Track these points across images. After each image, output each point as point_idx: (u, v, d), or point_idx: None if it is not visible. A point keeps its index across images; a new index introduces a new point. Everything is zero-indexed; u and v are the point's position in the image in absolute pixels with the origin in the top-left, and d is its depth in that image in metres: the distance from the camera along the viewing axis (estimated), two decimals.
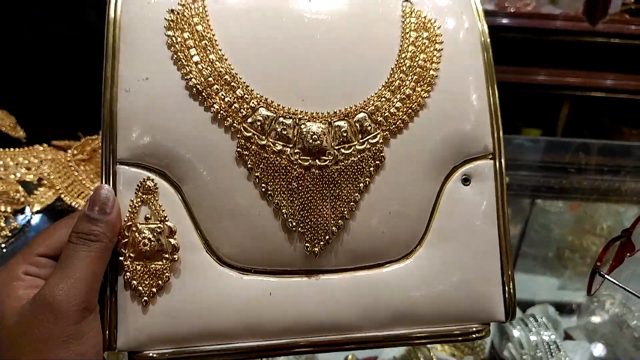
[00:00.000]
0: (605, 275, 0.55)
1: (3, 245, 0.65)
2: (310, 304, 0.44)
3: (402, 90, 0.46)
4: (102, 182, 0.42)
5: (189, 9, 0.44)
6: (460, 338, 0.47)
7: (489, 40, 0.50)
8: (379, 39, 0.47)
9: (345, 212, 0.44)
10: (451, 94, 0.47)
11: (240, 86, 0.43)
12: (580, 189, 1.14)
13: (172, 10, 0.44)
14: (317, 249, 0.44)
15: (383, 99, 0.45)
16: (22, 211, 0.70)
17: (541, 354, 0.76)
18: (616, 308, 0.84)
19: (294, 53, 0.45)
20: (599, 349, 0.79)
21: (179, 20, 0.44)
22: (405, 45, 0.47)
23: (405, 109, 0.45)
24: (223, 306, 0.43)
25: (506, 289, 0.47)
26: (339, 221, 0.44)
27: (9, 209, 0.68)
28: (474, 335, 0.47)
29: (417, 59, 0.47)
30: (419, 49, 0.47)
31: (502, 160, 0.48)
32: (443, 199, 0.47)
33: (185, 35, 0.44)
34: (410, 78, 0.46)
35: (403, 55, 0.46)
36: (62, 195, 0.73)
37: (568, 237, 1.12)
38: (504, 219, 0.48)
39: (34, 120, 0.91)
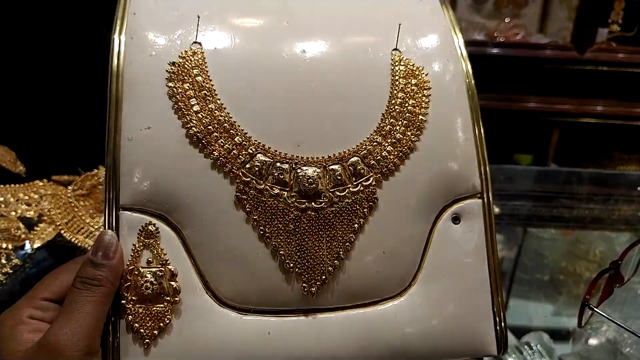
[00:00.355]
0: (595, 309, 0.57)
1: (4, 281, 0.66)
2: (308, 342, 0.45)
3: (393, 134, 0.48)
4: (105, 228, 0.44)
5: (189, 60, 0.46)
6: None
7: (473, 82, 0.52)
8: (369, 86, 0.49)
9: (341, 252, 0.46)
10: (440, 136, 0.50)
11: (239, 133, 0.45)
12: (572, 217, 1.16)
13: (174, 63, 0.46)
14: (314, 289, 0.45)
15: (375, 143, 0.47)
16: (22, 247, 0.71)
17: None
18: (610, 335, 0.85)
19: (290, 101, 0.47)
20: None
21: (180, 72, 0.46)
22: (395, 92, 0.49)
23: (396, 152, 0.48)
24: (223, 347, 0.44)
25: (497, 322, 0.48)
26: (335, 261, 0.46)
27: (10, 246, 0.68)
28: None
29: (406, 105, 0.49)
30: (408, 95, 0.49)
31: (490, 199, 0.50)
32: (434, 238, 0.49)
33: (186, 85, 0.46)
34: (400, 123, 0.48)
35: (393, 102, 0.49)
36: (62, 231, 0.74)
37: (561, 263, 1.13)
38: (493, 255, 0.49)
39: (33, 156, 0.93)
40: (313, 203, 0.45)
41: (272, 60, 0.48)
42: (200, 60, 0.47)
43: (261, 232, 0.45)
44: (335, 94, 0.48)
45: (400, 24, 0.51)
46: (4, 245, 0.68)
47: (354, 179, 0.46)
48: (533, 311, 1.04)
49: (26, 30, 1.00)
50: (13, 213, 0.73)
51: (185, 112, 0.45)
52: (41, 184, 0.82)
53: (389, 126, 0.48)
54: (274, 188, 0.45)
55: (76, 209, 0.76)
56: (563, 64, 1.53)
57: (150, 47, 0.47)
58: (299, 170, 0.45)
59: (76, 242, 0.73)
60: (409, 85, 0.50)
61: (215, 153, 0.45)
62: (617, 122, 1.59)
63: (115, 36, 0.47)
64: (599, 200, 1.17)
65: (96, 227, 0.75)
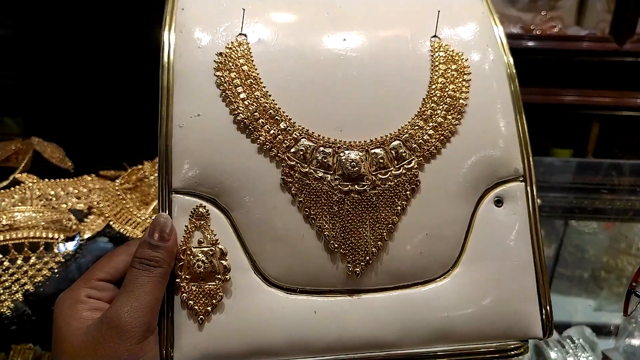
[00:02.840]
0: None
1: (56, 270, 0.69)
2: (353, 322, 0.46)
3: (434, 118, 0.49)
4: (159, 211, 0.46)
5: (235, 51, 0.49)
6: (498, 355, 0.48)
7: (514, 71, 0.52)
8: (409, 72, 0.51)
9: (384, 234, 0.47)
10: (481, 121, 0.50)
11: (284, 119, 0.47)
12: (613, 210, 1.13)
13: (221, 53, 0.48)
14: (358, 270, 0.46)
15: (416, 127, 0.48)
16: (73, 238, 0.74)
17: None
18: None
19: (332, 88, 0.49)
20: None
21: (227, 61, 0.48)
22: (435, 77, 0.50)
23: (437, 136, 0.49)
24: (270, 324, 0.45)
25: (543, 305, 0.49)
26: (379, 242, 0.47)
27: (61, 236, 0.72)
28: (512, 352, 0.48)
29: (447, 90, 0.50)
30: (448, 80, 0.50)
31: (533, 182, 0.50)
32: (477, 220, 0.49)
33: (233, 75, 0.48)
34: (441, 107, 0.49)
35: (433, 87, 0.50)
36: (111, 223, 0.77)
37: (603, 258, 1.11)
38: (537, 238, 0.50)
39: (81, 152, 0.97)
40: (356, 186, 0.46)
41: (314, 50, 0.50)
42: (245, 50, 0.49)
43: (306, 213, 0.46)
44: (375, 80, 0.49)
45: (439, 11, 0.52)
46: (56, 236, 0.72)
47: (396, 162, 0.47)
48: (574, 307, 1.03)
49: (75, 30, 1.05)
50: (64, 205, 0.77)
51: (233, 100, 0.47)
52: (89, 178, 0.86)
53: (429, 110, 0.49)
54: (318, 171, 0.46)
55: (124, 202, 0.80)
56: (602, 56, 1.50)
57: (198, 40, 0.49)
58: (342, 154, 0.47)
59: (125, 232, 0.77)
60: (449, 71, 0.50)
61: (262, 138, 0.46)
62: None
63: (165, 31, 0.49)
64: (635, 191, 1.14)
65: (143, 218, 0.79)
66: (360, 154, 0.47)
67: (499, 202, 0.50)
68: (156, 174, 0.76)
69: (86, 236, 0.74)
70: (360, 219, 0.46)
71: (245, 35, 0.49)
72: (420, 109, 0.49)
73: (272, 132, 0.47)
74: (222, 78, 0.48)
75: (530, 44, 1.52)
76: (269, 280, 0.46)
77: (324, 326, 0.46)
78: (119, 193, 0.80)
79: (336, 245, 0.46)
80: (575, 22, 1.65)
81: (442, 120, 0.49)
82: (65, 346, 0.41)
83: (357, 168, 0.46)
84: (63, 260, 0.70)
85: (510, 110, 0.51)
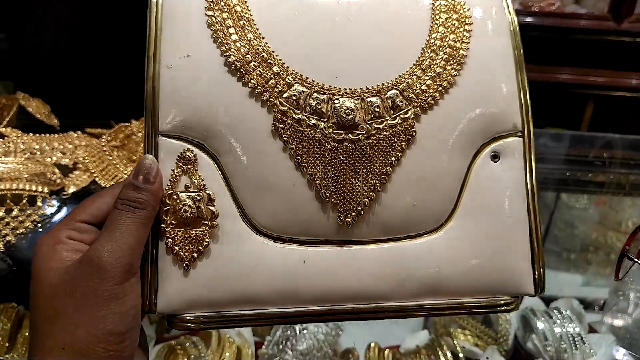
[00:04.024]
0: (634, 259, 0.55)
1: (39, 224, 0.68)
2: (343, 272, 0.45)
3: (433, 68, 0.47)
4: (144, 153, 0.44)
5: None
6: (489, 309, 0.47)
7: (517, 27, 0.51)
8: (409, 20, 0.49)
9: (377, 185, 0.45)
10: (480, 73, 0.49)
11: (277, 63, 0.45)
12: (605, 183, 1.13)
13: None
14: (349, 220, 0.45)
15: (414, 77, 0.47)
16: (57, 192, 0.73)
17: (565, 346, 0.76)
18: (638, 308, 0.83)
19: (328, 33, 0.47)
20: (621, 352, 0.79)
21: (219, 1, 0.46)
22: (436, 26, 0.48)
23: (435, 87, 0.47)
24: (258, 273, 0.44)
25: (536, 262, 0.48)
26: (371, 193, 0.45)
27: (45, 190, 0.70)
28: (503, 308, 0.47)
29: (447, 39, 0.48)
30: (448, 30, 0.48)
31: (532, 138, 0.49)
32: (472, 175, 0.48)
33: (225, 15, 0.46)
34: (440, 57, 0.48)
35: (433, 36, 0.48)
36: (97, 179, 0.75)
37: (592, 234, 1.11)
38: (532, 195, 0.48)
39: (67, 111, 0.95)
40: (350, 134, 0.45)
41: None
42: None
43: (297, 161, 0.45)
44: (374, 27, 0.48)
45: None
46: (40, 189, 0.70)
47: (392, 111, 0.46)
48: (563, 281, 1.03)
49: None
50: (48, 159, 0.75)
51: (224, 41, 0.45)
52: (75, 135, 0.84)
53: (428, 60, 0.47)
54: (311, 118, 0.45)
55: (110, 158, 0.78)
56: (599, 35, 1.49)
57: None
58: (336, 101, 0.45)
59: None
60: (450, 20, 0.49)
61: (253, 82, 0.45)
62: None
63: None
64: (634, 165, 1.14)
65: None
66: (356, 101, 0.45)
67: (495, 157, 0.49)
68: None
69: (71, 191, 0.72)
70: (353, 168, 0.45)
71: None
72: (419, 58, 0.47)
73: (264, 75, 0.45)
74: (213, 18, 0.45)
75: (529, 20, 1.50)
76: (257, 229, 0.45)
77: (313, 276, 0.45)
78: (105, 149, 0.78)
79: (327, 195, 0.45)
80: (574, 0, 1.63)
81: (441, 70, 0.47)
82: (43, 287, 0.40)
83: (351, 116, 0.45)
84: (47, 214, 0.68)
85: (511, 64, 0.50)
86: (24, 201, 0.68)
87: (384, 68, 0.47)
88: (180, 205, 0.43)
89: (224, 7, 0.46)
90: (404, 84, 0.46)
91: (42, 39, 1.02)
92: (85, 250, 0.41)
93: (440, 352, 0.74)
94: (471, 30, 0.49)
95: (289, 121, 0.45)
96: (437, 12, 0.49)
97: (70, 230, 0.42)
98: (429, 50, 0.48)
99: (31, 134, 0.80)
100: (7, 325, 0.67)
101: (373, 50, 0.47)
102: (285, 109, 0.45)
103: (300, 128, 0.45)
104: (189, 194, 0.44)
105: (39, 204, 0.68)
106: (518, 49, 0.50)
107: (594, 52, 1.54)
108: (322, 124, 0.45)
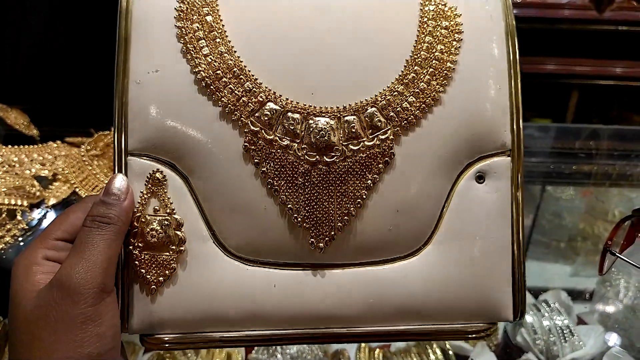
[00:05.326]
0: (617, 253, 0.55)
1: (20, 239, 0.67)
2: (314, 296, 0.44)
3: (416, 83, 0.44)
4: (114, 172, 0.43)
5: None
6: (466, 336, 0.46)
7: (515, 30, 0.46)
8: (394, 28, 0.45)
9: (352, 209, 0.44)
10: (469, 87, 0.45)
11: (249, 79, 0.43)
12: (591, 175, 1.13)
13: (183, 0, 0.43)
14: (322, 244, 0.44)
15: (395, 93, 0.44)
16: (38, 205, 0.72)
17: (554, 339, 0.76)
18: (629, 292, 0.83)
19: (306, 44, 0.44)
20: (614, 338, 0.79)
21: (189, 10, 0.43)
22: (422, 35, 0.45)
23: (418, 104, 0.44)
24: (227, 295, 0.44)
25: (517, 287, 0.46)
26: (345, 217, 0.43)
27: (25, 203, 0.70)
28: (481, 334, 0.46)
29: (433, 51, 0.44)
30: (436, 39, 0.45)
31: (521, 157, 0.46)
32: (455, 197, 0.45)
33: (195, 26, 0.43)
34: (425, 71, 0.44)
35: (419, 47, 0.44)
36: (77, 189, 0.74)
37: (579, 225, 1.11)
38: (518, 218, 0.46)
39: (47, 120, 0.93)
40: (325, 156, 0.43)
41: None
42: None
43: (269, 184, 0.43)
44: (355, 37, 0.44)
45: None
46: (20, 202, 0.69)
47: (370, 131, 0.43)
48: (551, 273, 1.03)
49: None
50: (27, 172, 0.74)
51: (194, 55, 0.43)
52: (55, 145, 0.82)
53: (412, 74, 0.44)
54: (284, 139, 0.42)
55: (90, 168, 0.77)
56: (582, 24, 1.48)
57: None
58: (310, 121, 0.42)
59: None
60: (439, 29, 0.45)
61: (224, 100, 0.42)
62: (637, 84, 1.55)
63: None
64: (619, 156, 1.14)
65: None
66: (331, 121, 0.43)
67: (480, 177, 0.46)
68: None
69: (51, 203, 0.71)
70: (327, 192, 0.43)
71: None
72: (402, 72, 0.44)
73: (235, 93, 0.43)
74: (183, 30, 0.43)
75: (512, 11, 1.49)
76: (228, 251, 0.44)
77: (283, 300, 0.44)
78: (85, 159, 0.77)
79: (299, 219, 0.43)
80: None
81: (425, 86, 0.44)
82: (19, 311, 0.39)
83: (325, 137, 0.42)
84: (27, 227, 0.67)
85: (504, 75, 0.46)
86: (4, 215, 0.67)
87: (364, 83, 0.44)
88: (148, 230, 0.42)
89: (195, 17, 0.43)
90: (384, 102, 0.43)
91: (19, 47, 1.00)
92: (57, 272, 0.40)
93: (429, 350, 0.74)
94: (461, 39, 0.45)
95: (260, 142, 0.43)
96: (425, 19, 0.45)
97: (46, 250, 0.41)
98: (413, 64, 0.44)
99: (9, 146, 0.79)
100: None
101: (353, 63, 0.44)
102: (257, 129, 0.42)
103: (272, 149, 0.43)
104: (157, 217, 0.43)
105: (19, 217, 0.67)
106: (514, 57, 0.46)
107: (578, 41, 1.53)
108: (296, 145, 0.43)
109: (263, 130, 0.42)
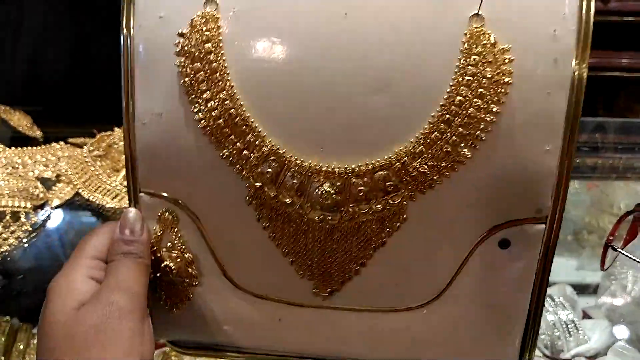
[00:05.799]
0: (618, 249, 0.54)
1: (25, 240, 0.67)
2: (317, 335, 0.43)
3: (440, 145, 0.36)
4: (128, 206, 0.42)
5: (200, 31, 0.37)
6: None
7: (584, 78, 0.35)
8: (424, 74, 0.35)
9: (355, 268, 0.40)
10: (506, 146, 0.36)
11: (252, 131, 0.37)
12: (597, 168, 1.12)
13: (183, 34, 0.37)
14: (324, 294, 0.42)
15: (413, 155, 0.36)
16: (41, 207, 0.71)
17: (559, 333, 0.75)
18: (635, 285, 0.83)
19: (319, 92, 0.37)
20: (621, 331, 0.79)
21: (190, 44, 0.37)
22: (457, 85, 0.35)
23: (439, 168, 0.36)
24: (236, 325, 0.44)
25: (525, 355, 0.43)
26: (347, 275, 0.40)
27: (28, 205, 0.69)
28: None
29: (467, 106, 0.35)
30: (474, 92, 0.35)
31: (559, 225, 0.38)
32: (472, 260, 0.40)
33: (197, 65, 0.37)
34: (452, 130, 0.35)
35: (451, 100, 0.35)
36: (80, 190, 0.73)
37: (585, 218, 1.10)
38: (541, 288, 0.40)
39: (50, 121, 0.94)
40: (329, 217, 0.38)
41: (305, 32, 0.37)
42: (213, 30, 0.37)
43: (271, 237, 0.40)
44: (378, 85, 0.36)
45: None
46: (23, 204, 0.69)
47: (381, 193, 0.37)
48: (557, 266, 1.03)
49: None
50: (31, 174, 0.73)
51: (195, 99, 0.38)
52: (58, 146, 0.80)
53: (436, 133, 0.35)
54: (287, 197, 0.38)
55: (93, 169, 0.76)
56: None
57: (161, 4, 0.38)
58: (315, 182, 0.37)
59: (94, 200, 0.74)
60: (479, 77, 0.35)
61: (226, 152, 0.38)
62: None
63: None
64: (625, 149, 1.13)
65: (113, 185, 0.75)
66: (338, 183, 0.37)
67: (505, 243, 0.39)
68: None
69: (54, 204, 0.71)
70: (330, 252, 0.39)
71: (215, 2, 0.37)
72: (425, 129, 0.36)
73: (237, 145, 0.38)
74: (184, 67, 0.37)
75: None
76: (237, 285, 0.43)
77: (287, 333, 0.43)
78: (87, 160, 0.75)
79: (302, 273, 0.41)
80: None
81: (450, 149, 0.36)
82: (58, 328, 0.37)
83: (329, 201, 0.37)
84: (30, 229, 0.68)
85: (557, 133, 0.36)
86: (7, 217, 0.67)
87: (379, 140, 0.37)
88: (162, 266, 0.42)
89: (197, 53, 0.37)
90: (399, 164, 0.36)
91: (21, 49, 1.00)
92: (96, 292, 0.38)
93: None
94: (508, 92, 0.35)
95: (263, 197, 0.38)
96: (465, 63, 0.35)
97: (88, 268, 0.40)
98: (440, 121, 0.35)
99: (13, 148, 0.77)
100: (1, 339, 0.67)
101: (369, 117, 0.36)
102: (259, 184, 0.38)
103: (275, 206, 0.38)
104: (170, 254, 0.42)
105: (23, 219, 0.68)
106: (575, 110, 0.35)
107: None
108: (300, 203, 0.38)
109: (266, 187, 0.38)
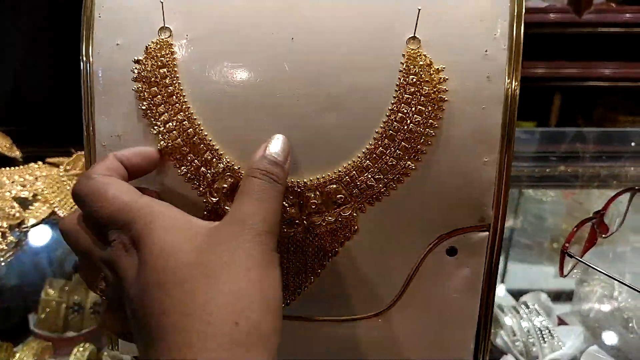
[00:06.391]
0: (574, 256, 0.56)
1: (1, 259, 0.69)
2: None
3: (384, 159, 0.38)
4: None
5: (155, 58, 0.39)
6: None
7: (517, 92, 0.38)
8: (369, 93, 0.38)
9: (311, 277, 0.42)
10: (447, 160, 0.38)
11: (209, 149, 0.39)
12: (573, 176, 1.14)
13: (138, 61, 0.39)
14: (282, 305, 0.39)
15: (360, 169, 0.39)
16: (18, 226, 0.73)
17: (533, 340, 0.77)
18: (606, 291, 0.85)
19: (272, 110, 0.39)
20: (595, 336, 0.80)
21: (146, 70, 0.39)
22: (398, 103, 0.38)
23: (386, 180, 0.38)
24: None
25: (480, 357, 0.44)
26: (303, 285, 0.42)
27: (4, 224, 0.70)
28: None
29: (408, 122, 0.38)
30: (413, 109, 0.37)
31: (501, 232, 0.41)
32: (422, 268, 0.42)
33: (154, 89, 0.39)
34: (396, 144, 0.38)
35: (392, 117, 0.37)
36: (56, 209, 0.75)
37: (562, 225, 1.12)
38: (489, 291, 0.42)
39: (30, 141, 0.96)
40: (285, 229, 0.39)
41: (256, 52, 0.39)
42: (167, 56, 0.39)
43: None
44: (326, 103, 0.38)
45: (419, 9, 0.37)
46: (0, 223, 0.71)
47: (334, 206, 0.39)
48: (533, 274, 1.03)
49: (17, 14, 1.02)
50: (7, 194, 0.75)
51: (154, 122, 0.39)
52: (36, 166, 0.82)
53: (380, 148, 0.38)
54: None
55: (68, 188, 0.78)
56: (562, 28, 1.50)
57: (118, 32, 0.40)
58: None
59: None
60: (418, 95, 0.37)
61: (184, 169, 0.40)
62: (623, 84, 1.55)
63: (83, 12, 0.40)
64: (601, 158, 1.15)
65: None
66: (291, 197, 0.39)
67: (453, 251, 0.41)
68: None
69: (30, 223, 0.73)
70: (286, 262, 0.41)
71: (169, 29, 0.39)
72: (371, 145, 0.38)
73: (195, 162, 0.39)
74: (142, 92, 0.39)
75: None
76: None
77: None
78: (63, 179, 0.78)
79: None
80: None
81: (395, 162, 0.38)
82: (192, 259, 0.31)
83: (284, 215, 0.39)
84: (7, 248, 0.69)
85: (494, 146, 0.38)
86: None
87: (329, 156, 0.39)
88: None
89: (153, 78, 0.39)
90: (348, 178, 0.38)
91: (1, 72, 1.03)
92: (229, 213, 0.33)
93: None
94: (444, 109, 0.37)
95: (220, 212, 0.39)
96: (405, 82, 0.37)
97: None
98: (384, 136, 0.38)
99: None
100: None
101: (320, 134, 0.38)
102: (215, 199, 0.39)
103: None
104: None
105: None
106: (510, 123, 0.38)
107: (559, 44, 1.55)
108: None
109: (222, 202, 0.39)
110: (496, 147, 0.38)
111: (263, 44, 0.38)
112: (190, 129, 0.39)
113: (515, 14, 0.37)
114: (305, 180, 0.38)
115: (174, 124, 0.39)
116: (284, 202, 0.38)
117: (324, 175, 0.39)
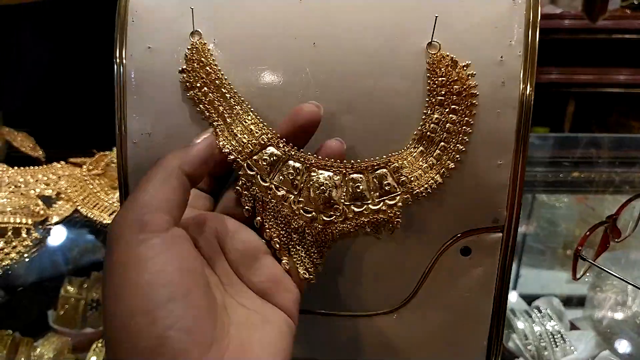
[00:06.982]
0: (587, 259, 0.57)
1: (26, 255, 0.71)
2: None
3: (432, 149, 0.39)
4: None
5: (197, 62, 0.40)
6: None
7: (532, 97, 0.40)
8: (394, 98, 0.40)
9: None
10: (474, 162, 0.40)
11: (252, 120, 0.39)
12: (585, 182, 1.15)
13: (183, 70, 0.40)
14: None
15: (411, 159, 0.39)
16: (42, 223, 0.76)
17: (545, 344, 0.78)
18: (619, 296, 0.85)
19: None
20: (608, 341, 0.81)
21: (192, 76, 0.40)
22: (431, 106, 0.39)
23: (433, 173, 0.39)
24: None
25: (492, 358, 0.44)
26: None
27: (29, 221, 0.74)
28: None
29: (446, 122, 0.39)
30: (447, 109, 0.39)
31: (515, 233, 0.42)
32: (436, 267, 0.43)
33: (205, 89, 0.40)
34: (439, 136, 0.39)
35: (427, 120, 0.39)
36: (79, 207, 0.79)
37: (575, 231, 1.12)
38: (502, 291, 0.43)
39: (52, 142, 0.99)
40: (322, 215, 0.37)
41: (275, 61, 0.40)
42: (209, 58, 0.41)
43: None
44: (344, 105, 0.40)
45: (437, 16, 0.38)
46: (25, 220, 0.73)
47: (377, 194, 0.38)
48: (546, 279, 1.04)
49: (44, 18, 1.05)
50: (32, 192, 0.79)
51: (213, 120, 0.40)
52: (59, 165, 0.86)
53: (426, 143, 0.39)
54: (280, 189, 0.37)
55: (91, 187, 0.81)
56: (576, 34, 1.51)
57: (148, 36, 0.41)
58: (313, 173, 0.37)
59: (92, 216, 0.79)
60: (450, 95, 0.39)
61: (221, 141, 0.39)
62: (634, 91, 1.56)
63: (117, 15, 0.42)
64: (614, 164, 1.15)
65: (110, 202, 0.80)
66: (335, 177, 0.38)
67: (467, 251, 0.42)
68: None
69: (54, 220, 0.76)
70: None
71: (199, 32, 0.41)
72: (416, 134, 0.40)
73: (234, 132, 0.39)
74: (196, 98, 0.40)
75: None
76: None
77: None
78: (86, 178, 0.81)
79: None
80: (549, 1, 1.66)
81: (441, 153, 0.39)
82: None
83: (324, 194, 0.37)
84: (31, 244, 0.72)
85: (509, 149, 0.39)
86: (9, 233, 0.72)
87: (377, 141, 0.40)
88: None
89: (199, 80, 0.40)
90: (397, 164, 0.38)
91: (25, 73, 1.06)
92: None
93: None
94: (477, 104, 0.39)
95: (254, 188, 0.38)
96: (434, 86, 0.39)
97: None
98: (426, 131, 0.39)
99: (16, 168, 0.83)
100: (2, 352, 0.70)
101: (369, 117, 0.40)
102: (253, 173, 0.38)
103: (265, 198, 0.38)
104: None
105: (24, 235, 0.72)
106: (524, 127, 0.39)
107: (574, 50, 1.56)
108: (292, 197, 0.37)
109: (259, 176, 0.38)
110: (510, 150, 0.39)
111: (286, 50, 0.40)
112: (233, 101, 0.40)
113: (531, 21, 0.39)
114: (353, 160, 0.38)
115: (216, 96, 0.40)
116: (325, 182, 0.37)
117: (373, 158, 0.39)
